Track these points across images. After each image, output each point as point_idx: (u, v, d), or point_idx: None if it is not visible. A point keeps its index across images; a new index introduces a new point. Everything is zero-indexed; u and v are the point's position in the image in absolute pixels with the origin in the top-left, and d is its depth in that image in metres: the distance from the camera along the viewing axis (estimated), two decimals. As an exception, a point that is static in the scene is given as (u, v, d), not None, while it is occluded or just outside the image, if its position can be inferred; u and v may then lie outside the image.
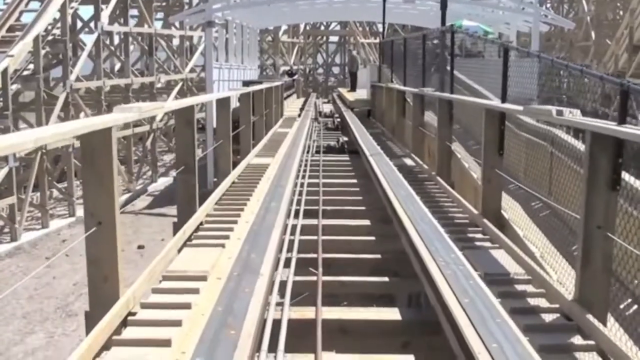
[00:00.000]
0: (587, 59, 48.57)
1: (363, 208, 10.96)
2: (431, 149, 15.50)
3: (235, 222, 8.63)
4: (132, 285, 5.76)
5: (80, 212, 28.27)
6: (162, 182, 36.51)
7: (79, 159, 30.75)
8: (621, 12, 52.55)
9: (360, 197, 11.73)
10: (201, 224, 8.68)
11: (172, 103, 9.35)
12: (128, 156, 34.41)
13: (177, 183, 9.23)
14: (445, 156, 12.37)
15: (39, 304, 19.73)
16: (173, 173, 37.43)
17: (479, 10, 34.90)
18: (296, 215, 9.79)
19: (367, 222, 9.89)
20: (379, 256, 8.60)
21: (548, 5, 59.82)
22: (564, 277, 6.69)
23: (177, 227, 8.62)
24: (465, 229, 8.54)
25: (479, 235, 8.21)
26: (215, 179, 13.77)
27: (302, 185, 12.08)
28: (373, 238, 9.20)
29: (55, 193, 30.69)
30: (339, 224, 9.68)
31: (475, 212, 9.11)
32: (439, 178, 11.87)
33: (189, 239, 7.91)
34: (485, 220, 8.61)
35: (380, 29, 60.43)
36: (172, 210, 28.52)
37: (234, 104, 17.13)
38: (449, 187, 11.00)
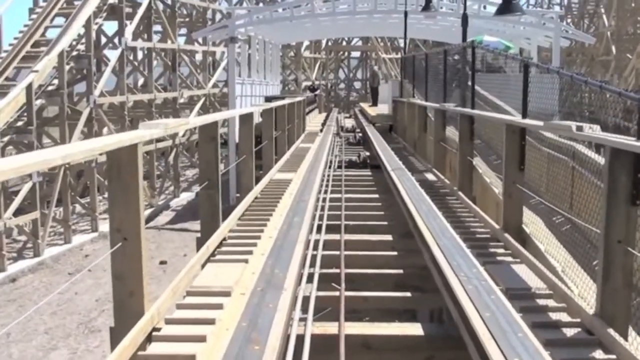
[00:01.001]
0: (608, 74, 48.46)
1: (385, 223, 11.03)
2: (452, 164, 15.50)
3: (258, 237, 8.68)
4: (157, 301, 5.82)
5: (102, 227, 28.54)
6: (185, 197, 36.71)
7: (101, 174, 31.16)
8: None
9: (382, 212, 11.80)
10: (224, 239, 8.74)
11: (197, 119, 9.45)
12: (151, 171, 34.62)
13: (200, 198, 9.31)
14: (466, 171, 12.40)
15: (62, 319, 19.86)
16: (195, 188, 37.57)
17: (500, 26, 34.92)
18: (319, 230, 9.85)
19: (389, 237, 9.97)
20: (401, 271, 8.66)
21: (569, 20, 59.78)
22: (585, 292, 6.70)
23: (200, 243, 8.69)
24: (486, 243, 8.56)
25: (501, 250, 8.22)
26: (237, 195, 13.82)
27: (324, 200, 12.14)
28: (395, 253, 9.27)
29: (78, 208, 30.91)
30: (361, 239, 9.76)
31: (497, 226, 9.13)
32: (460, 193, 11.88)
33: (213, 254, 7.97)
34: (507, 235, 8.63)
35: (402, 45, 60.86)
36: (195, 225, 28.62)
37: (257, 119, 17.24)
38: (470, 202, 11.02)
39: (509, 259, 7.82)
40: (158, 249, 26.52)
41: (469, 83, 13.85)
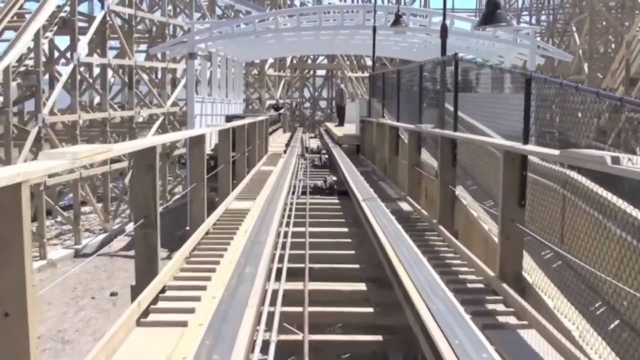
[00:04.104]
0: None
1: (356, 266, 9.38)
2: (428, 191, 14.05)
3: (204, 287, 7.12)
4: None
5: (52, 254, 26.75)
6: (141, 221, 34.73)
7: (53, 196, 29.32)
8: (613, 46, 51.61)
9: (353, 251, 10.17)
10: (163, 289, 7.20)
11: (125, 145, 7.76)
12: (105, 193, 32.80)
13: (135, 239, 7.69)
14: (448, 202, 10.92)
15: (-5, 362, 17.99)
16: (153, 211, 35.67)
17: (472, 43, 33.65)
18: (278, 277, 8.22)
19: (362, 287, 8.17)
20: (380, 338, 6.99)
21: (538, 38, 58.82)
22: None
23: (135, 292, 7.20)
24: (482, 297, 7.03)
25: (501, 307, 6.72)
26: (187, 228, 12.30)
27: (285, 235, 10.56)
28: (371, 310, 7.53)
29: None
30: (329, 289, 8.03)
31: (492, 274, 7.63)
32: (441, 227, 10.41)
33: (145, 312, 6.43)
34: (505, 286, 7.14)
35: (368, 63, 59.55)
36: (150, 251, 26.82)
37: (215, 140, 15.73)
38: (456, 241, 9.50)
39: (514, 320, 6.33)
40: (109, 278, 24.71)
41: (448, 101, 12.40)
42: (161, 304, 6.73)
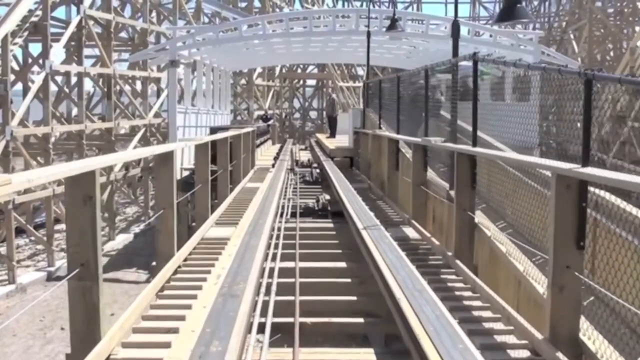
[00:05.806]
0: (579, 102, 45.95)
1: (361, 321, 7.43)
2: (437, 214, 12.22)
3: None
4: None
5: (22, 278, 24.79)
6: (121, 240, 32.45)
7: (28, 214, 27.35)
8: (611, 53, 50.19)
9: (355, 297, 8.23)
10: (107, 360, 5.41)
11: (36, 173, 5.67)
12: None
13: (69, 296, 5.80)
14: (466, 231, 9.09)
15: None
16: (134, 229, 33.76)
17: (471, 49, 31.89)
18: (259, 336, 6.30)
19: (370, 355, 6.16)
20: None
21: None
22: None
23: (70, 361, 5.44)
24: (535, 376, 5.19)
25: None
26: (154, 263, 10.43)
27: (270, 274, 8.68)
28: None
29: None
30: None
31: (539, 335, 5.76)
32: (459, 263, 8.57)
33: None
34: (561, 356, 5.28)
35: (359, 72, 57.90)
36: (129, 274, 24.91)
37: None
38: (481, 283, 7.65)
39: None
40: (82, 305, 22.72)
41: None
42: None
